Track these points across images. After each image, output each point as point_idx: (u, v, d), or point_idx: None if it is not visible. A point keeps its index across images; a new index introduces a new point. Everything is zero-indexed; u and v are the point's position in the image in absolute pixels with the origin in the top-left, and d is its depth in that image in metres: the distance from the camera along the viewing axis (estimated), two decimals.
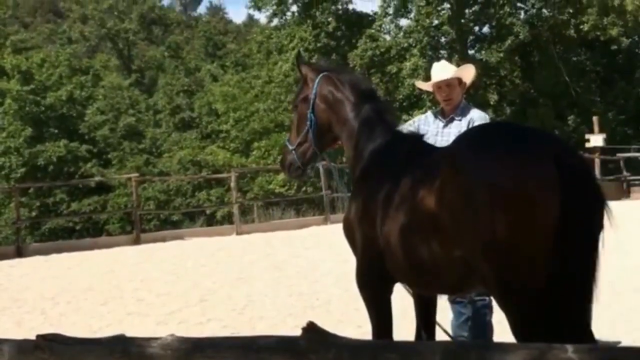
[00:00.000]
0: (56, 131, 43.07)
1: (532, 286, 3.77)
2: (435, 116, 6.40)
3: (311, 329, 2.71)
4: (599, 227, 3.83)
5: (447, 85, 6.26)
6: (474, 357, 2.41)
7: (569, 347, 2.23)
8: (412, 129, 6.37)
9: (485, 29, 38.59)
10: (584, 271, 3.80)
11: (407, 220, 4.39)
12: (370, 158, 5.20)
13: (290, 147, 5.78)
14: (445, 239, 4.09)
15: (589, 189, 3.83)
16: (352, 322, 8.74)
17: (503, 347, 2.37)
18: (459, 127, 6.14)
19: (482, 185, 3.80)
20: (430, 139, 6.07)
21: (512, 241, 3.71)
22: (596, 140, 29.94)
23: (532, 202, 3.70)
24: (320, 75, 5.63)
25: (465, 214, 3.88)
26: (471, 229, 3.86)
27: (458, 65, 6.94)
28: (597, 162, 28.82)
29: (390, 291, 5.06)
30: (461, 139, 4.38)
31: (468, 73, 6.41)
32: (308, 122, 5.63)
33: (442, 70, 6.38)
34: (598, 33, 35.23)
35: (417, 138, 5.38)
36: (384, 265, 4.76)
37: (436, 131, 6.28)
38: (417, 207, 4.29)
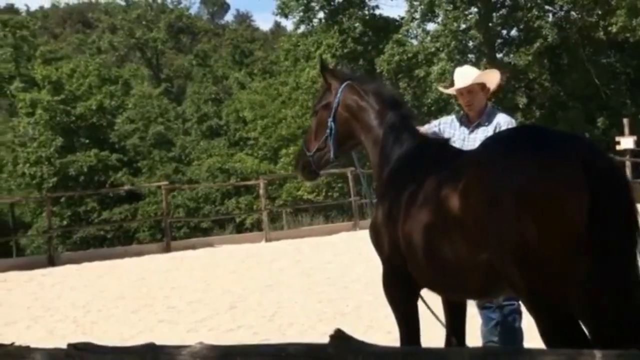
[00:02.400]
0: (87, 141, 43.49)
1: (561, 290, 3.74)
2: (461, 121, 6.35)
3: (339, 336, 2.72)
4: (632, 228, 3.74)
5: (468, 91, 6.21)
6: None
7: (597, 353, 2.22)
8: (435, 129, 6.36)
9: (514, 32, 38.35)
10: (618, 273, 3.74)
11: (432, 225, 4.37)
12: (397, 164, 5.20)
13: (307, 152, 5.84)
14: (471, 243, 4.07)
15: (618, 191, 3.76)
16: (382, 328, 8.73)
17: (531, 352, 2.37)
18: (485, 132, 6.07)
19: (508, 189, 3.76)
20: (456, 144, 6.04)
21: (540, 245, 3.67)
22: (627, 142, 29.61)
23: (559, 206, 3.66)
24: (344, 83, 5.65)
25: (491, 219, 3.85)
26: (498, 234, 3.83)
27: (486, 69, 6.89)
28: (627, 164, 28.52)
29: (417, 296, 5.07)
30: (487, 143, 4.35)
31: (491, 78, 6.35)
32: (328, 130, 5.66)
33: (463, 76, 6.32)
34: (627, 35, 34.82)
35: (443, 143, 5.37)
36: (411, 272, 4.76)
37: (462, 137, 6.23)
38: (442, 212, 4.26)
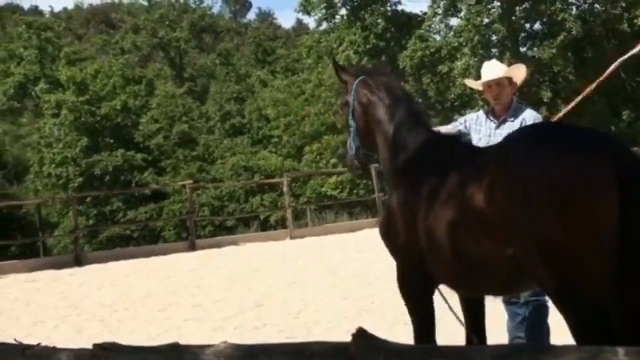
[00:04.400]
0: (111, 140, 43.76)
1: (590, 286, 3.72)
2: (487, 116, 6.34)
3: (361, 334, 2.73)
4: None
5: (497, 84, 6.21)
6: None
7: (620, 350, 2.21)
8: (461, 127, 6.35)
9: (537, 26, 38.12)
10: None
11: (455, 221, 4.32)
12: (412, 158, 5.12)
13: (348, 149, 5.81)
14: (495, 239, 4.04)
15: None
16: (407, 324, 8.66)
17: (554, 349, 2.36)
18: (511, 128, 6.05)
19: (537, 185, 3.75)
20: (482, 139, 6.07)
21: (569, 241, 3.66)
22: None
23: (588, 202, 3.64)
24: (358, 79, 5.61)
25: (518, 215, 3.83)
26: (525, 230, 3.81)
27: (510, 64, 6.90)
28: None
29: (433, 293, 5.05)
30: (512, 138, 4.31)
31: (519, 72, 6.35)
32: (350, 128, 5.65)
33: (493, 69, 6.32)
34: None
35: (456, 138, 5.32)
36: (427, 267, 4.72)
37: (488, 132, 6.23)
38: (465, 208, 4.23)
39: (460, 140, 5.26)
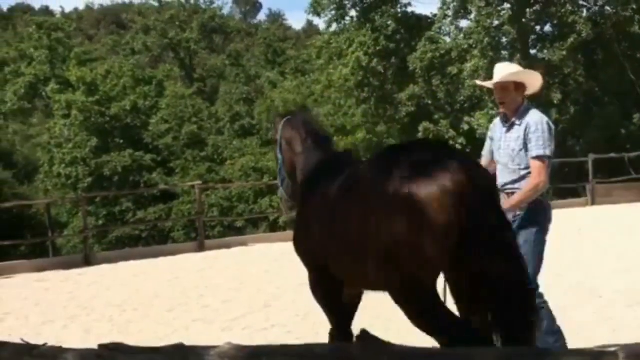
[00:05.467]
0: (121, 141, 43.91)
1: (428, 281, 4.35)
2: (501, 120, 6.38)
3: (364, 336, 2.74)
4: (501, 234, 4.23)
5: (501, 87, 6.22)
6: None
7: (620, 353, 2.22)
8: (490, 136, 6.48)
9: (547, 28, 37.97)
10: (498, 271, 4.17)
11: (334, 233, 4.91)
12: (308, 178, 5.92)
13: (279, 186, 6.68)
14: (360, 248, 4.52)
15: (488, 199, 4.24)
16: (414, 327, 8.71)
17: (556, 353, 2.37)
18: (518, 132, 6.10)
19: (382, 200, 4.22)
20: (496, 144, 6.31)
21: (412, 247, 4.12)
22: None
23: (431, 214, 4.06)
24: (283, 119, 6.57)
25: (368, 227, 4.34)
26: (374, 240, 4.30)
27: (520, 66, 6.88)
28: None
29: (341, 293, 5.62)
30: (376, 157, 4.85)
31: (530, 80, 6.31)
32: (278, 161, 6.58)
33: (500, 71, 6.33)
34: None
35: (342, 156, 6.06)
36: (331, 274, 5.32)
37: (500, 136, 6.28)
38: (343, 222, 4.76)
39: (344, 158, 5.89)
